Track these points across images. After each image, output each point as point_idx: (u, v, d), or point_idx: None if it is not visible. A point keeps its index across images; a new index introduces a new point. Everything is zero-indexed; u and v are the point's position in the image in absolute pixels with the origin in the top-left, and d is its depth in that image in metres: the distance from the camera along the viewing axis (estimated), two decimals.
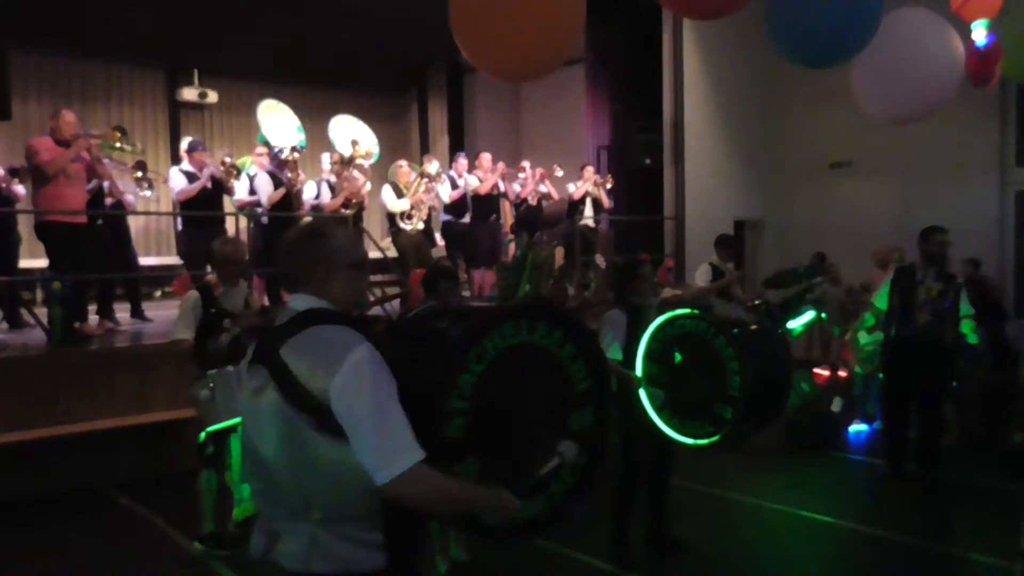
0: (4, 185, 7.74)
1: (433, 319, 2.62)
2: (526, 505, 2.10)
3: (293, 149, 8.54)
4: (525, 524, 2.21)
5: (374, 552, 1.91)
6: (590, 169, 10.59)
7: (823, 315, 7.25)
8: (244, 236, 8.05)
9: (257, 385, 1.95)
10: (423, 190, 9.17)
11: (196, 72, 12.99)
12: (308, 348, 1.89)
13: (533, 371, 2.29)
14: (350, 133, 10.09)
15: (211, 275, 4.79)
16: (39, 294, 8.84)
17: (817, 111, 11.13)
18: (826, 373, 8.91)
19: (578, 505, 2.35)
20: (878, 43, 5.12)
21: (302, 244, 2.04)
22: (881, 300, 6.15)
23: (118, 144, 7.45)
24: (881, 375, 6.58)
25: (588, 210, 10.43)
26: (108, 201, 8.08)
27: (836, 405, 7.60)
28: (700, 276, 7.25)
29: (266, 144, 9.23)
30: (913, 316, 5.80)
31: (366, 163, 9.62)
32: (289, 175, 8.34)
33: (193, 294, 4.65)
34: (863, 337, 7.16)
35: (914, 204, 10.04)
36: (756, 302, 7.13)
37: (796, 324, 7.20)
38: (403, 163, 9.67)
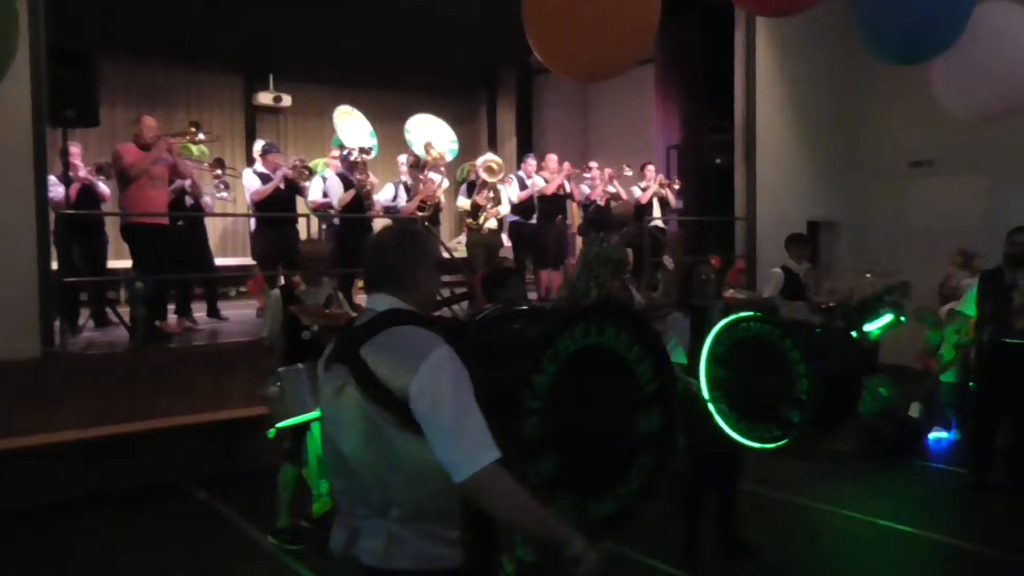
0: (90, 182, 7.99)
1: (506, 320, 2.64)
2: (595, 505, 2.13)
3: (361, 151, 8.66)
4: (594, 523, 2.23)
5: (452, 549, 1.93)
6: (651, 168, 10.48)
7: (902, 318, 6.99)
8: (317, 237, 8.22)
9: (338, 384, 1.99)
10: (487, 191, 9.20)
11: (271, 77, 13.34)
12: (389, 348, 1.92)
13: (603, 372, 2.33)
14: (429, 133, 10.13)
15: (298, 275, 4.95)
16: (122, 293, 9.15)
17: (896, 108, 10.76)
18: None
19: (647, 505, 2.36)
20: (964, 37, 4.94)
21: (397, 244, 2.06)
22: (968, 307, 5.95)
23: (198, 136, 7.69)
24: (971, 383, 6.36)
25: (656, 211, 10.32)
26: (188, 202, 8.31)
27: (915, 411, 7.34)
28: (771, 284, 6.63)
29: (340, 147, 9.40)
30: (1008, 321, 5.60)
31: (439, 165, 9.67)
32: (359, 177, 8.47)
33: (274, 293, 4.81)
34: (946, 351, 6.88)
35: (1002, 205, 9.59)
36: (830, 304, 6.93)
37: (873, 327, 6.97)
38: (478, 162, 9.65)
